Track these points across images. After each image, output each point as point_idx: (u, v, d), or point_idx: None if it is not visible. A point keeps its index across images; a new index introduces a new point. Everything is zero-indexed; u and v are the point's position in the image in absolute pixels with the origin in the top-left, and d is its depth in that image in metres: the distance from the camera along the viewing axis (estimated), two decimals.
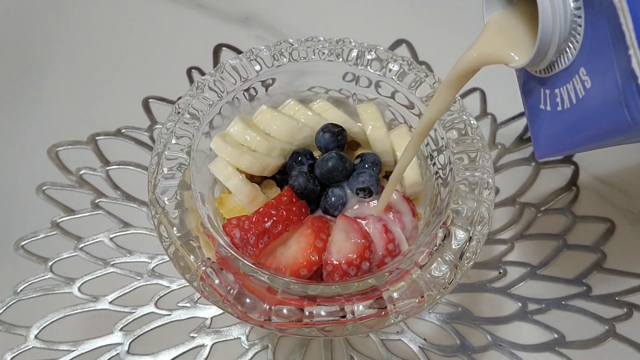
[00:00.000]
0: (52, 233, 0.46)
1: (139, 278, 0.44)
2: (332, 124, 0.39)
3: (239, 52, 0.58)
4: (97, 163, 0.50)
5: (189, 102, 0.37)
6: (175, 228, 0.32)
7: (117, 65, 0.58)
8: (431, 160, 0.39)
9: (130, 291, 0.43)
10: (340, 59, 0.40)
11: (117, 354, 0.40)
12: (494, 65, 0.27)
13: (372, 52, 0.40)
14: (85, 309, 0.42)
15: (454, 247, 0.31)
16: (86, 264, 0.44)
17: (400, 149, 0.39)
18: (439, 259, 0.31)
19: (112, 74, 0.57)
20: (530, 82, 0.28)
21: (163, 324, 0.42)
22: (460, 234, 0.32)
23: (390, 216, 0.37)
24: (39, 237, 0.46)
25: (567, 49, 0.24)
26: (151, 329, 0.42)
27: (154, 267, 0.44)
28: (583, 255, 0.46)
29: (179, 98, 0.38)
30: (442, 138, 0.37)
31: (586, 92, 0.23)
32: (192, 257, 0.31)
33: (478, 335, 0.42)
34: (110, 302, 0.43)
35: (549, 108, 0.27)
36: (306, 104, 0.42)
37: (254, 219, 0.34)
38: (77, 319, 0.42)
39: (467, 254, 0.31)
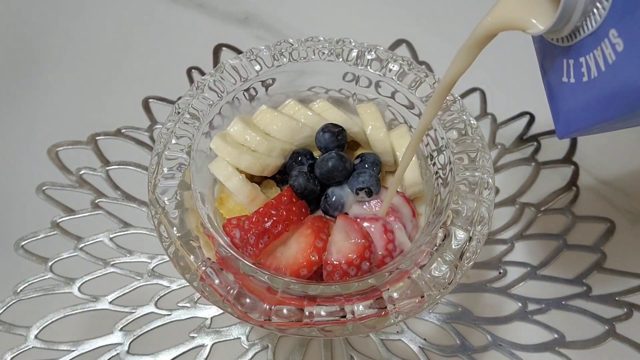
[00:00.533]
0: (52, 233, 0.46)
1: (139, 278, 0.44)
2: (332, 124, 0.39)
3: (239, 52, 0.58)
4: (97, 163, 0.50)
5: (189, 102, 0.37)
6: (175, 228, 0.32)
7: (117, 65, 0.58)
8: (431, 160, 0.39)
9: (130, 291, 0.43)
10: (340, 59, 0.40)
11: (117, 354, 0.40)
12: (512, 32, 0.25)
13: (372, 52, 0.40)
14: (85, 309, 0.42)
15: (454, 247, 0.31)
16: (86, 264, 0.44)
17: (400, 148, 0.39)
18: (439, 259, 0.31)
19: (112, 74, 0.57)
20: (551, 53, 0.26)
21: (163, 324, 0.42)
22: (460, 234, 0.32)
23: (391, 216, 0.37)
24: (39, 237, 0.46)
25: (595, 11, 0.21)
26: (151, 329, 0.42)
27: (154, 267, 0.44)
28: (583, 255, 0.46)
29: (179, 98, 0.38)
30: (442, 138, 0.37)
31: (617, 56, 0.21)
32: (192, 257, 0.31)
33: (478, 335, 0.42)
34: (110, 302, 0.43)
35: (572, 80, 0.24)
36: (306, 104, 0.42)
37: (254, 219, 0.34)
38: (77, 319, 0.42)
39: (467, 254, 0.31)
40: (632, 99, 0.20)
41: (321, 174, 0.37)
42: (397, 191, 0.38)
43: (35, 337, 0.41)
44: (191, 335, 0.42)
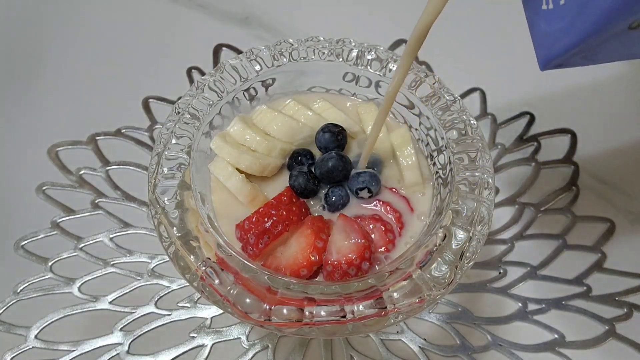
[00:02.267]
0: (52, 233, 0.46)
1: (139, 278, 0.44)
2: (332, 124, 0.39)
3: (239, 52, 0.58)
4: (97, 163, 0.50)
5: (189, 102, 0.37)
6: (175, 228, 0.32)
7: (117, 65, 0.58)
8: (431, 160, 0.39)
9: (130, 291, 0.43)
10: (340, 59, 0.40)
11: (117, 354, 0.40)
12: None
13: (372, 52, 0.40)
14: (85, 309, 0.42)
15: (454, 247, 0.31)
16: (86, 264, 0.44)
17: (400, 149, 0.39)
18: (439, 259, 0.31)
19: (112, 74, 0.57)
20: None
21: (163, 324, 0.42)
22: (460, 234, 0.32)
23: (390, 216, 0.37)
24: (39, 237, 0.46)
25: None
26: (151, 329, 0.42)
27: (154, 267, 0.44)
28: (583, 255, 0.46)
29: (179, 98, 0.38)
30: (442, 138, 0.37)
31: None
32: (192, 257, 0.31)
33: (478, 335, 0.42)
34: (110, 302, 0.43)
35: (551, 6, 0.25)
36: (306, 104, 0.42)
37: (254, 219, 0.34)
38: (77, 319, 0.42)
39: (467, 254, 0.31)
40: (606, 10, 0.21)
41: (321, 174, 0.37)
42: (397, 190, 0.38)
43: (35, 337, 0.41)
44: (191, 335, 0.42)
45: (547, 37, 0.26)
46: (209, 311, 0.42)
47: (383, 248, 0.35)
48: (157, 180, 0.34)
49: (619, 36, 0.23)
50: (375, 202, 0.38)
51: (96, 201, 0.47)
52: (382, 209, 0.37)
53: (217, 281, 0.30)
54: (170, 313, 0.42)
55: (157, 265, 0.45)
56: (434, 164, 0.38)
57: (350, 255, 0.33)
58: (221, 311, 0.42)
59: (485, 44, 0.58)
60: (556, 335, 0.42)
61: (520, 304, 0.43)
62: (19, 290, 0.43)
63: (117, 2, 0.64)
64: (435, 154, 0.38)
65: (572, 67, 0.27)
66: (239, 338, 0.42)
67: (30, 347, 0.41)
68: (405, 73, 0.33)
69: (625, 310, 0.43)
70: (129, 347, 0.41)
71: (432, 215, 0.36)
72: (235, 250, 0.33)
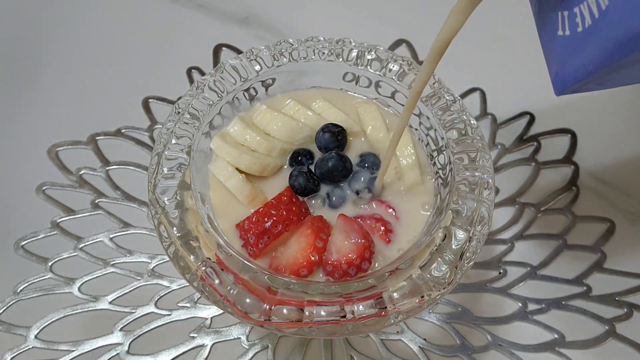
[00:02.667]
0: (52, 233, 0.46)
1: (139, 278, 0.44)
2: (332, 124, 0.39)
3: (239, 52, 0.58)
4: (97, 163, 0.50)
5: (189, 102, 0.37)
6: (175, 228, 0.32)
7: (117, 65, 0.58)
8: (431, 160, 0.39)
9: (130, 291, 0.43)
10: (340, 59, 0.40)
11: (117, 354, 0.40)
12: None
13: (372, 52, 0.40)
14: (85, 309, 0.42)
15: (454, 247, 0.31)
16: (86, 264, 0.44)
17: (400, 149, 0.39)
18: (439, 259, 0.31)
19: (112, 74, 0.57)
20: (546, 7, 0.26)
21: (163, 324, 0.42)
22: (460, 234, 0.32)
23: (390, 216, 0.37)
24: (39, 237, 0.46)
25: None
26: (151, 329, 0.42)
27: (154, 267, 0.44)
28: (583, 255, 0.46)
29: (179, 98, 0.38)
30: (442, 138, 0.37)
31: (610, 0, 0.21)
32: (192, 257, 0.31)
33: (478, 335, 0.42)
34: (110, 302, 0.43)
35: (567, 32, 0.24)
36: (306, 104, 0.42)
37: (254, 219, 0.34)
38: (77, 319, 0.42)
39: (467, 254, 0.31)
40: (623, 42, 0.21)
41: (321, 174, 0.37)
42: (382, 201, 0.38)
43: (35, 337, 0.41)
44: (191, 335, 0.42)
45: (563, 65, 0.25)
46: (209, 311, 0.42)
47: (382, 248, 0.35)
48: (157, 180, 0.34)
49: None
50: (375, 202, 0.38)
51: (96, 201, 0.47)
52: (382, 209, 0.37)
53: (217, 281, 0.30)
54: (170, 313, 0.42)
55: (157, 265, 0.45)
56: (434, 164, 0.38)
57: (350, 255, 0.33)
58: (221, 311, 0.42)
59: (485, 44, 0.58)
60: (556, 335, 0.42)
61: (520, 304, 0.43)
62: (19, 290, 0.43)
63: (117, 2, 0.64)
64: (435, 154, 0.38)
65: (586, 92, 0.26)
66: (239, 338, 0.42)
67: (30, 347, 0.41)
68: (419, 93, 0.32)
69: (625, 310, 0.43)
70: (129, 347, 0.41)
71: (432, 215, 0.36)
72: (235, 250, 0.33)
